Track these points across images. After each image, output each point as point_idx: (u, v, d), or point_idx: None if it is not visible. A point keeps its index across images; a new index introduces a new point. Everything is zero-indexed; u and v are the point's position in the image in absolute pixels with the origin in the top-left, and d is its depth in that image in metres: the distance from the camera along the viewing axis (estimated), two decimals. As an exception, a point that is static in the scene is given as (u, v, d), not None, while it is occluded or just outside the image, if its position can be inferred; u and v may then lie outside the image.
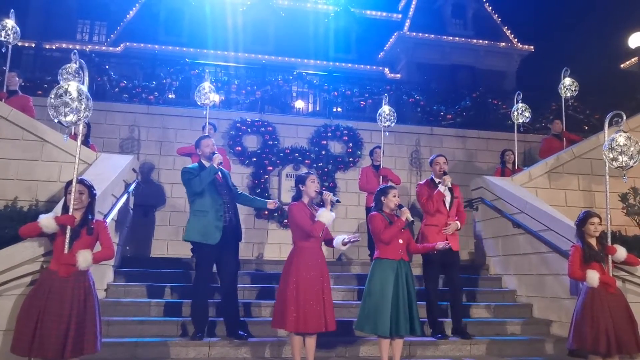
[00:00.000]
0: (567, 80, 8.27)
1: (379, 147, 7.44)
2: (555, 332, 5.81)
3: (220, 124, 8.59)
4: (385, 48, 23.04)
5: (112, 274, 6.11)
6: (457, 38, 22.61)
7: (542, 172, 7.16)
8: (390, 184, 6.90)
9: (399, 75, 22.12)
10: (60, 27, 21.87)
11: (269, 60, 16.40)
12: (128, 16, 21.99)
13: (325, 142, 9.22)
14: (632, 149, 4.71)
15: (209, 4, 21.53)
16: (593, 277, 4.38)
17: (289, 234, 4.79)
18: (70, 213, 3.81)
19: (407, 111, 10.38)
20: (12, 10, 7.13)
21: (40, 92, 8.60)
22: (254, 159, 8.92)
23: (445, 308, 5.75)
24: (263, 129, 9.10)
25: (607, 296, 4.37)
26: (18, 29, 7.11)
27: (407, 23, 22.76)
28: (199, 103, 7.37)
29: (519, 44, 23.25)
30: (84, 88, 3.87)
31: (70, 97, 3.73)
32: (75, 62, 4.13)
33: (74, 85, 3.80)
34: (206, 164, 5.13)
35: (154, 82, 9.45)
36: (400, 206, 4.60)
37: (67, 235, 3.77)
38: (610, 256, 4.60)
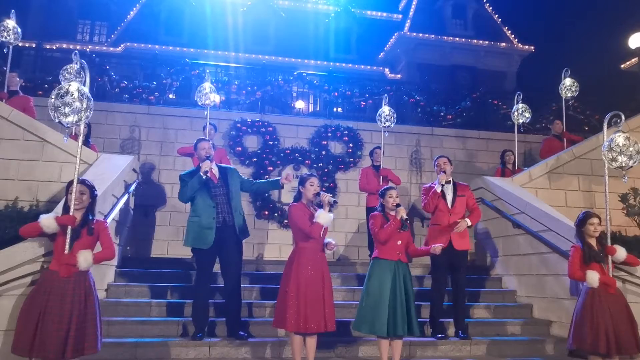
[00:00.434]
0: (568, 81, 8.28)
1: (379, 148, 7.45)
2: (555, 333, 5.81)
3: (221, 125, 8.59)
4: (385, 48, 23.05)
5: (113, 274, 6.12)
6: (457, 38, 22.62)
7: (542, 172, 7.16)
8: (390, 184, 6.91)
9: (399, 76, 22.13)
10: (61, 28, 21.89)
11: (269, 60, 16.43)
12: (128, 16, 22.02)
13: (325, 142, 9.22)
14: (631, 149, 4.72)
15: (210, 4, 21.55)
16: (593, 277, 4.39)
17: (290, 235, 4.81)
18: (71, 213, 3.82)
19: (407, 111, 10.38)
20: (12, 10, 7.14)
21: (40, 92, 8.60)
22: (254, 159, 8.92)
23: (447, 308, 5.74)
24: (263, 129, 9.10)
25: (607, 296, 4.37)
26: (19, 29, 7.13)
27: (408, 23, 22.77)
28: (199, 103, 7.39)
29: (519, 44, 23.26)
30: (85, 88, 3.88)
31: (72, 97, 3.74)
32: (77, 63, 4.13)
33: (75, 86, 3.81)
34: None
35: (155, 83, 9.45)
36: (397, 205, 4.61)
37: (68, 236, 3.78)
38: (610, 256, 4.60)
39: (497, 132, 9.96)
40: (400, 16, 24.04)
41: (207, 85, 7.30)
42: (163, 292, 5.88)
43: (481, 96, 10.67)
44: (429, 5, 23.48)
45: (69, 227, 3.78)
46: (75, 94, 3.75)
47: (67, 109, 3.72)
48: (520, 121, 8.24)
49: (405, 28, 22.59)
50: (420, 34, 22.27)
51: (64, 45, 18.28)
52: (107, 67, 9.51)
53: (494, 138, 9.88)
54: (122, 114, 8.81)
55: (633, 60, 15.85)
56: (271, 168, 8.94)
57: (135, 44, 20.15)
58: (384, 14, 24.36)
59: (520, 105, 8.20)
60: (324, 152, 9.14)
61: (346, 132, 9.29)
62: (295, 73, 10.20)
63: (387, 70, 22.29)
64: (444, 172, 5.65)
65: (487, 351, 5.34)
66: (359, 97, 10.15)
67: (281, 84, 9.87)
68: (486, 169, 9.46)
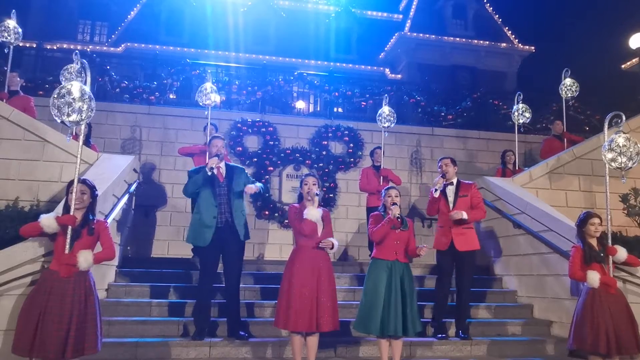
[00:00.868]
0: (568, 81, 8.28)
1: (380, 148, 7.45)
2: (556, 333, 5.81)
3: (221, 125, 8.59)
4: (386, 48, 23.05)
5: (113, 274, 6.12)
6: (457, 38, 22.61)
7: (543, 172, 7.16)
8: (390, 184, 6.91)
9: (399, 76, 22.13)
10: (62, 28, 21.91)
11: (269, 60, 16.42)
12: (129, 16, 22.02)
13: (326, 142, 9.22)
14: (631, 149, 4.71)
15: (210, 5, 21.56)
16: (594, 277, 4.39)
17: (290, 235, 4.82)
18: (71, 213, 3.82)
19: (407, 112, 10.38)
20: (13, 10, 7.15)
21: (41, 92, 8.61)
22: (255, 160, 8.92)
23: (449, 309, 5.72)
24: (264, 130, 9.10)
25: (608, 297, 4.37)
26: (20, 29, 7.13)
27: (408, 23, 22.77)
28: (200, 103, 7.40)
29: (520, 44, 23.25)
30: (87, 88, 3.88)
31: (73, 97, 3.74)
32: (77, 63, 4.13)
33: (76, 86, 3.81)
34: None
35: (155, 83, 9.45)
36: (393, 204, 4.62)
37: (68, 236, 3.78)
38: (610, 257, 4.60)
39: (497, 132, 9.96)
40: (401, 16, 24.03)
41: (208, 86, 7.31)
42: (163, 292, 5.88)
43: (482, 96, 10.67)
44: (429, 5, 23.48)
45: (70, 227, 3.78)
46: (77, 94, 3.75)
47: (69, 109, 3.72)
48: (521, 121, 8.23)
49: (406, 28, 22.58)
50: (421, 34, 22.27)
51: (65, 46, 18.30)
52: (108, 67, 9.52)
53: (494, 138, 9.88)
54: (122, 114, 8.81)
55: (634, 60, 15.87)
56: (271, 168, 8.94)
57: (136, 44, 20.16)
58: (385, 14, 24.36)
59: (521, 105, 8.20)
60: (324, 152, 9.14)
61: (347, 132, 9.29)
62: (295, 73, 10.20)
63: (387, 71, 22.29)
64: (443, 175, 5.64)
65: (487, 351, 5.34)
66: (359, 97, 10.14)
67: (282, 84, 9.87)
68: (486, 169, 9.46)
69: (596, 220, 4.60)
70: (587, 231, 4.60)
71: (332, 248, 4.49)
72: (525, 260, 6.47)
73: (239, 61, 16.58)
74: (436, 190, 5.50)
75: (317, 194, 4.49)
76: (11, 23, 7.01)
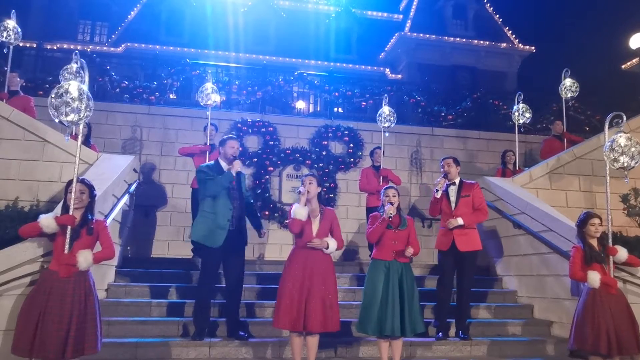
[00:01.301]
0: (568, 81, 8.28)
1: (379, 148, 7.45)
2: (556, 333, 5.80)
3: (221, 125, 8.58)
4: (386, 49, 23.05)
5: (113, 274, 6.12)
6: (458, 39, 22.61)
7: (543, 172, 7.16)
8: (390, 184, 6.91)
9: (400, 76, 22.13)
10: (62, 28, 21.92)
11: (270, 60, 16.42)
12: (129, 17, 22.03)
13: (326, 142, 9.22)
14: (632, 149, 4.72)
15: (210, 5, 21.56)
16: (594, 277, 4.39)
17: (289, 235, 4.80)
18: (70, 213, 3.82)
19: (408, 112, 10.37)
20: (13, 10, 7.14)
21: (41, 92, 8.60)
22: (255, 160, 8.91)
23: (450, 309, 5.71)
24: (264, 130, 9.10)
25: (608, 297, 4.37)
26: (19, 29, 7.13)
27: (408, 24, 22.77)
28: (201, 104, 7.40)
29: (520, 44, 23.25)
30: (85, 87, 3.88)
31: (71, 96, 3.74)
32: (77, 62, 4.13)
33: (74, 85, 3.80)
34: (224, 164, 5.12)
35: (155, 83, 9.45)
36: (390, 204, 4.62)
37: (68, 236, 3.77)
38: (611, 257, 4.60)
39: (497, 132, 9.95)
40: (401, 16, 24.04)
41: (209, 86, 7.31)
42: (163, 292, 5.87)
43: (482, 96, 10.66)
44: (429, 5, 23.48)
45: (69, 227, 3.77)
46: (75, 93, 3.75)
47: (67, 108, 3.72)
48: (521, 121, 8.23)
49: (406, 28, 22.58)
50: (421, 34, 22.27)
51: (65, 46, 18.30)
52: (108, 67, 9.51)
53: (494, 138, 9.87)
54: (122, 114, 8.81)
55: (634, 60, 15.87)
56: (272, 168, 8.94)
57: (136, 44, 20.16)
58: (385, 14, 24.37)
59: (521, 105, 8.19)
60: (324, 153, 9.13)
61: (347, 132, 9.29)
62: (295, 73, 10.19)
63: (387, 71, 22.29)
64: (445, 175, 5.61)
65: (487, 351, 5.34)
66: (359, 97, 10.14)
67: (282, 84, 9.87)
68: (487, 170, 9.45)
69: (596, 221, 4.60)
70: (587, 231, 4.60)
71: (327, 248, 4.43)
72: (525, 260, 6.47)
73: (239, 61, 16.58)
74: (437, 191, 5.46)
75: (299, 192, 4.47)
76: (11, 23, 7.01)
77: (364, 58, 22.55)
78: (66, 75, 6.32)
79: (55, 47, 16.16)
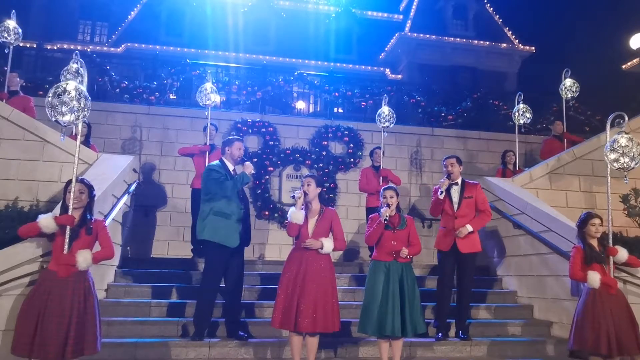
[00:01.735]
0: (568, 81, 8.27)
1: (379, 148, 7.44)
2: (556, 333, 5.80)
3: (221, 125, 8.59)
4: (386, 49, 23.04)
5: (113, 274, 6.11)
6: (458, 39, 22.59)
7: (543, 173, 7.15)
8: (389, 184, 6.90)
9: (400, 76, 22.12)
10: (62, 28, 21.92)
11: (269, 60, 16.41)
12: (129, 17, 22.02)
13: (325, 142, 9.21)
14: (633, 150, 4.71)
15: (210, 5, 21.55)
16: (594, 278, 4.38)
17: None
18: (69, 213, 3.81)
19: (408, 112, 10.36)
20: (13, 10, 7.14)
21: (41, 92, 8.58)
22: (255, 160, 8.89)
23: (450, 309, 5.70)
24: (264, 130, 9.10)
25: (608, 297, 4.36)
26: (20, 29, 7.13)
27: (408, 24, 22.76)
28: (201, 104, 7.40)
29: (520, 44, 23.24)
30: (83, 87, 3.87)
31: (69, 96, 3.73)
32: (77, 62, 4.13)
33: (72, 85, 3.80)
34: (230, 165, 5.14)
35: (155, 83, 9.45)
36: (387, 205, 4.61)
37: (67, 236, 3.77)
38: (611, 257, 4.60)
39: (497, 132, 9.94)
40: (401, 17, 24.03)
41: (208, 86, 7.31)
42: (163, 293, 5.87)
43: (482, 97, 10.65)
44: (429, 5, 23.47)
45: (68, 227, 3.77)
46: (73, 93, 3.74)
47: (64, 108, 3.71)
48: (521, 122, 8.22)
49: (406, 28, 22.58)
50: (421, 35, 22.26)
51: (65, 46, 18.28)
52: (108, 67, 9.50)
53: (494, 139, 9.87)
54: (122, 114, 8.81)
55: (634, 60, 15.84)
56: (271, 168, 8.94)
57: (136, 44, 20.15)
58: (385, 15, 24.36)
59: (521, 105, 8.19)
60: (324, 153, 9.13)
61: (346, 132, 9.28)
62: (295, 73, 10.19)
63: (387, 71, 22.28)
64: (448, 175, 5.56)
65: (487, 352, 5.33)
66: (359, 97, 10.13)
67: (282, 85, 9.86)
68: (487, 170, 9.45)
69: (597, 221, 4.59)
70: (587, 232, 4.60)
71: (321, 248, 4.41)
72: (525, 260, 6.46)
73: (239, 61, 16.58)
74: (442, 192, 5.40)
75: (294, 196, 4.50)
76: (11, 23, 7.01)
77: (364, 58, 22.54)
78: (67, 76, 6.32)
79: (55, 47, 16.14)
